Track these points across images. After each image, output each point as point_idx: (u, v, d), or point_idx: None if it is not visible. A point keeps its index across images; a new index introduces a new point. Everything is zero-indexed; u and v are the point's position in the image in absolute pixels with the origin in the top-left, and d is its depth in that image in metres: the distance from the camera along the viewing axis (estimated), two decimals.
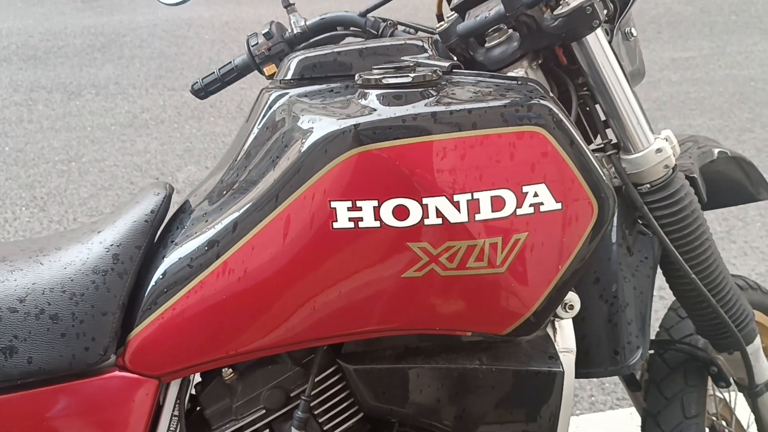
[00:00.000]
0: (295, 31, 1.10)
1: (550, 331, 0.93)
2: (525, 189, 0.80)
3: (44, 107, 3.85)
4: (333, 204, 0.79)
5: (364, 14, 1.08)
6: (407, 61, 0.88)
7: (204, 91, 1.16)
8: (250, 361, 0.90)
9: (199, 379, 0.95)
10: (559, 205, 0.82)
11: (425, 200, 0.79)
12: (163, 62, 4.49)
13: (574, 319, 0.96)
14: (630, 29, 1.06)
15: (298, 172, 0.80)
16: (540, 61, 0.98)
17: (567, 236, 0.83)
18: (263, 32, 1.10)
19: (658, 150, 0.97)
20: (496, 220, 0.80)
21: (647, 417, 1.15)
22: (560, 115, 0.82)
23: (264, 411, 0.91)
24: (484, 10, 0.95)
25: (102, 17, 5.54)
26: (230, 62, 1.14)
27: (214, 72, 1.15)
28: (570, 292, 0.91)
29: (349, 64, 0.90)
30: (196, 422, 0.94)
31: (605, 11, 0.96)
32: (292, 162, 0.81)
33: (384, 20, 1.09)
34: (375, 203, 0.79)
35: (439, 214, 0.79)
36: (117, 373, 0.85)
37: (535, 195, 0.80)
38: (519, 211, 0.80)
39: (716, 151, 1.22)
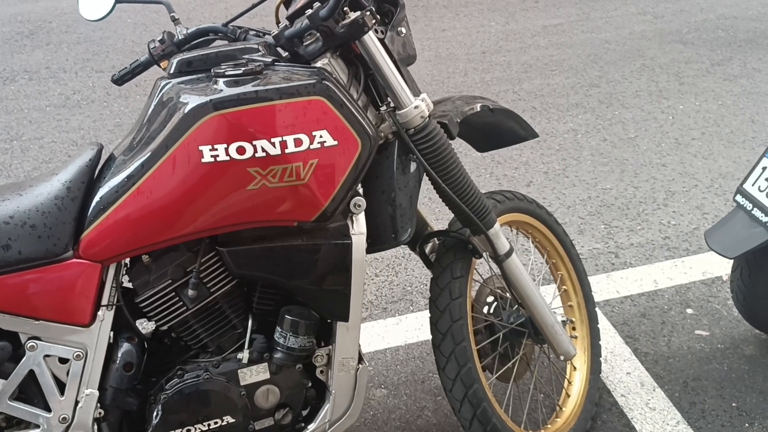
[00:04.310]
0: (180, 38, 1.61)
1: (349, 222, 1.47)
2: (314, 133, 1.35)
3: None
4: (200, 148, 1.31)
5: (225, 24, 1.61)
6: (244, 59, 1.41)
7: (121, 80, 1.67)
8: (159, 249, 1.42)
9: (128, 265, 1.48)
10: (336, 143, 1.37)
11: (255, 142, 1.32)
12: (90, 46, 4.87)
13: (369, 216, 1.52)
14: (400, 29, 1.60)
15: (179, 129, 1.32)
16: (338, 53, 1.52)
17: (342, 161, 1.37)
18: (158, 39, 1.61)
19: (416, 107, 1.51)
20: (298, 153, 1.34)
21: (431, 282, 1.72)
22: (334, 89, 1.36)
23: (170, 281, 1.43)
24: (301, 21, 1.49)
25: (27, 4, 5.81)
26: (137, 60, 1.65)
27: (126, 66, 1.66)
28: (359, 197, 1.46)
29: (210, 62, 1.42)
30: (127, 292, 1.47)
31: (374, 21, 1.49)
32: (175, 123, 1.33)
33: (240, 27, 1.62)
34: (225, 146, 1.31)
35: (263, 150, 1.32)
36: (74, 260, 1.35)
37: (321, 137, 1.35)
38: (311, 147, 1.35)
39: (478, 105, 1.77)
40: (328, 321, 1.54)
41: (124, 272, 1.46)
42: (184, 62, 1.42)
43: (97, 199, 1.36)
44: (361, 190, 1.53)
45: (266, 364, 1.50)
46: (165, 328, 1.47)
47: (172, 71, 1.42)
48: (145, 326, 1.56)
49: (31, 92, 4.21)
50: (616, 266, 2.61)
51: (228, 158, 1.32)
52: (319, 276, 1.46)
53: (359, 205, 1.46)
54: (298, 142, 1.34)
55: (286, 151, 1.34)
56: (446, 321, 1.66)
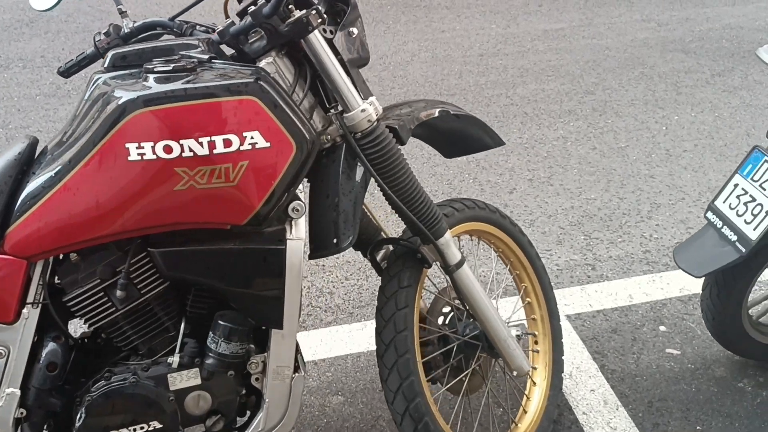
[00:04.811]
0: (126, 31, 1.57)
1: (287, 226, 1.43)
2: (245, 134, 1.30)
3: None
4: (127, 145, 1.28)
5: (172, 19, 1.57)
6: (179, 54, 1.37)
7: (67, 72, 1.64)
8: (88, 248, 1.39)
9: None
10: (268, 144, 1.32)
11: (181, 141, 1.28)
12: (87, 36, 4.86)
13: (312, 220, 1.48)
14: (352, 29, 1.54)
15: (106, 125, 1.28)
16: (285, 51, 1.47)
17: (275, 164, 1.33)
18: (104, 31, 1.57)
19: (363, 110, 1.46)
20: (227, 154, 1.30)
21: (379, 291, 1.67)
22: (268, 89, 1.31)
23: (99, 281, 1.39)
24: (246, 18, 1.44)
25: None
26: (83, 52, 1.62)
27: (72, 59, 1.63)
28: (298, 201, 1.41)
29: (145, 57, 1.38)
30: (55, 291, 1.43)
31: (320, 20, 1.43)
32: (103, 120, 1.29)
33: (186, 22, 1.58)
34: (152, 144, 1.28)
35: (191, 150, 1.28)
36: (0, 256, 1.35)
37: (252, 138, 1.31)
38: (242, 148, 1.30)
39: (437, 111, 1.71)
40: (263, 328, 1.50)
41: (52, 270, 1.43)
42: (119, 56, 1.38)
43: (24, 193, 1.33)
44: (305, 196, 1.48)
45: (197, 369, 1.46)
46: (95, 328, 1.43)
47: (106, 65, 1.39)
48: (81, 326, 1.52)
49: (23, 80, 4.21)
50: (591, 279, 2.55)
51: (155, 157, 1.28)
52: (251, 281, 1.42)
53: (297, 210, 1.42)
54: (227, 143, 1.29)
55: (215, 151, 1.29)
56: (390, 331, 1.61)
